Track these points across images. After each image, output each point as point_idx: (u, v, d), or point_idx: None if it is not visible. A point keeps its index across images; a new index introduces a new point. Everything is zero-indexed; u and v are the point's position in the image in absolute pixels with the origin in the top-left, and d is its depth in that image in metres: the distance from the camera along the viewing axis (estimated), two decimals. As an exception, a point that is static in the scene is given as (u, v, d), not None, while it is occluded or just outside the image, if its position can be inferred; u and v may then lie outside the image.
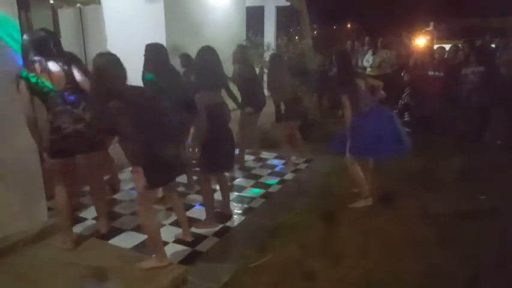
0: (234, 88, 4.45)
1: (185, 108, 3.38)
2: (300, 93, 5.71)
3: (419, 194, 4.10)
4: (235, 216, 3.73)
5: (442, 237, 3.24)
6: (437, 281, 2.74)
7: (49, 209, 3.30)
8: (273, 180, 4.66)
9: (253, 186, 4.50)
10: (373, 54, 7.94)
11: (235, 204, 3.97)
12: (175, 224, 3.36)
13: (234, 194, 4.17)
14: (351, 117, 3.66)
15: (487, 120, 6.06)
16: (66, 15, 6.46)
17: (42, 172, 3.20)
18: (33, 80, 2.68)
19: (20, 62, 2.88)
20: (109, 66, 2.48)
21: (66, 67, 2.82)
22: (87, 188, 3.80)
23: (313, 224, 3.49)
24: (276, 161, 5.35)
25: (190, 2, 6.71)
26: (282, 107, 4.78)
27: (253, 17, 9.66)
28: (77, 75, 2.86)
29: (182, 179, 4.10)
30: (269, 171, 5.00)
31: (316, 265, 2.88)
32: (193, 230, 3.34)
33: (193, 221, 3.47)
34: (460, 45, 6.99)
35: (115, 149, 3.93)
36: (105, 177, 3.98)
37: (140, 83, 3.64)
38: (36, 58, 2.74)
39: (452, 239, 3.23)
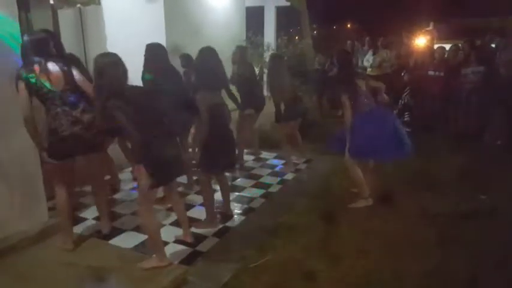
0: (233, 89, 4.45)
1: (185, 109, 3.39)
2: (299, 93, 5.72)
3: (419, 194, 4.10)
4: (235, 216, 3.73)
5: (442, 237, 3.25)
6: (437, 281, 2.74)
7: (49, 209, 3.30)
8: (273, 180, 4.67)
9: (253, 186, 4.51)
10: (374, 54, 7.94)
11: (235, 204, 3.97)
12: (176, 224, 3.37)
13: (234, 194, 4.17)
14: (351, 117, 3.66)
15: (487, 120, 6.06)
16: (66, 16, 6.46)
17: (43, 172, 3.20)
18: (32, 80, 2.68)
19: (20, 62, 2.88)
20: (111, 66, 2.48)
21: (65, 68, 2.82)
22: (87, 188, 3.81)
23: (313, 224, 3.49)
24: (275, 161, 5.36)
25: (190, 2, 6.71)
26: (282, 107, 4.78)
27: (253, 17, 9.67)
28: (77, 76, 2.86)
29: (182, 179, 4.10)
30: (269, 171, 5.00)
31: (316, 265, 2.88)
32: (194, 230, 3.35)
33: (193, 221, 3.47)
34: (460, 45, 6.98)
35: (115, 150, 3.95)
36: (105, 178, 3.99)
37: (140, 83, 3.65)
38: (35, 58, 2.74)
39: (452, 239, 3.23)
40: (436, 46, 7.72)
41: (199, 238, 3.26)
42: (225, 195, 3.71)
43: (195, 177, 4.31)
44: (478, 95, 6.01)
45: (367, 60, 7.99)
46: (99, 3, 6.25)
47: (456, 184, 4.33)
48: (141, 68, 3.72)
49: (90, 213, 3.65)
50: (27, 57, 2.80)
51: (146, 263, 2.76)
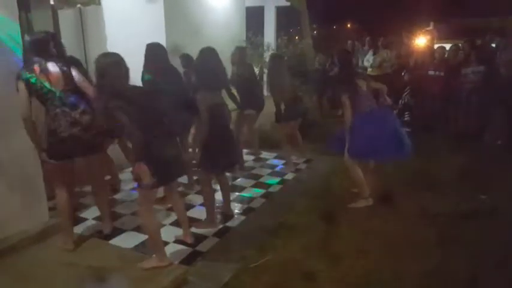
0: (233, 89, 4.46)
1: (185, 109, 3.39)
2: (300, 93, 5.72)
3: (419, 193, 4.10)
4: (236, 216, 3.73)
5: (442, 237, 3.25)
6: (437, 281, 2.74)
7: (50, 209, 3.30)
8: (273, 180, 4.67)
9: (254, 186, 4.51)
10: (374, 54, 7.94)
11: (236, 204, 3.97)
12: (176, 224, 3.37)
13: (234, 194, 4.17)
14: (351, 117, 3.66)
15: (487, 119, 6.06)
16: (66, 16, 6.46)
17: (43, 172, 3.21)
18: (32, 80, 2.68)
19: (20, 63, 2.89)
20: (113, 66, 2.49)
21: (65, 68, 2.82)
22: (87, 189, 3.81)
23: (314, 224, 3.49)
24: (276, 161, 5.36)
25: (190, 2, 6.71)
26: (282, 107, 4.78)
27: (253, 17, 9.67)
28: (76, 76, 2.86)
29: (183, 179, 4.10)
30: (269, 171, 5.00)
31: (316, 265, 2.88)
32: (194, 230, 3.35)
33: (193, 221, 3.47)
34: (460, 44, 6.99)
35: (115, 150, 3.95)
36: (106, 178, 3.99)
37: (140, 83, 3.65)
38: (35, 59, 2.75)
39: (453, 239, 3.23)
40: (436, 46, 7.72)
41: (199, 238, 3.26)
42: (226, 195, 3.72)
43: (195, 177, 4.32)
44: (478, 95, 6.01)
45: (368, 60, 8.00)
46: (99, 4, 6.26)
47: (456, 184, 4.33)
48: (141, 68, 3.72)
49: (90, 214, 3.65)
50: (27, 57, 2.81)
51: (146, 263, 2.76)
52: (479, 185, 4.25)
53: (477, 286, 2.70)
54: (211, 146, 3.24)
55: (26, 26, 4.91)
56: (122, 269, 2.75)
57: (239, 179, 4.70)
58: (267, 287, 2.69)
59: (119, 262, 2.84)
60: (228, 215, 3.69)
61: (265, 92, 5.96)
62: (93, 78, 2.71)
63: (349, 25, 21.45)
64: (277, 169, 5.07)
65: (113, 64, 2.50)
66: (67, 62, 2.92)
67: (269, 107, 5.04)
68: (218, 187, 3.70)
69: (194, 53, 3.52)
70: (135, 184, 2.76)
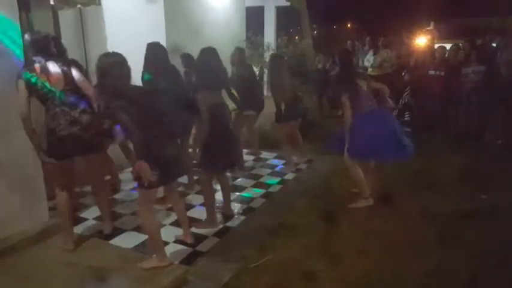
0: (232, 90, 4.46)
1: (186, 109, 3.39)
2: (300, 93, 5.72)
3: (419, 193, 4.10)
4: (236, 216, 3.73)
5: (443, 237, 3.24)
6: (437, 281, 2.74)
7: (50, 209, 3.30)
8: (273, 180, 4.67)
9: (254, 186, 4.51)
10: (374, 54, 7.94)
11: (236, 204, 3.97)
12: (176, 224, 3.37)
13: (234, 194, 4.17)
14: (351, 117, 3.66)
15: (487, 119, 6.06)
16: (66, 16, 6.46)
17: (43, 173, 3.21)
18: (33, 80, 2.68)
19: (20, 63, 2.89)
20: (115, 66, 2.50)
21: (65, 68, 2.83)
22: (87, 189, 3.82)
23: (314, 224, 3.49)
24: (276, 161, 5.36)
25: (190, 2, 6.71)
26: (283, 106, 4.79)
27: (253, 17, 9.66)
28: (77, 76, 2.86)
29: (183, 179, 4.10)
30: (269, 171, 5.00)
31: (316, 265, 2.88)
32: (194, 230, 3.35)
33: (193, 221, 3.47)
34: (460, 44, 6.99)
35: (115, 150, 3.95)
36: (106, 178, 3.99)
37: (140, 83, 3.65)
38: (36, 58, 2.75)
39: (453, 238, 3.23)
40: (436, 46, 7.71)
41: (199, 238, 3.26)
42: (226, 195, 3.72)
43: (195, 177, 4.32)
44: (479, 95, 6.01)
45: (368, 60, 7.99)
46: (99, 4, 6.25)
47: (457, 184, 4.33)
48: (141, 68, 3.72)
49: (90, 214, 3.65)
50: (28, 57, 2.81)
51: (146, 263, 2.76)
52: (480, 185, 4.25)
53: (477, 286, 2.70)
54: (212, 146, 3.24)
55: (26, 26, 4.91)
56: (122, 269, 2.75)
57: (239, 179, 4.69)
58: (267, 287, 2.69)
59: (119, 262, 2.84)
60: (228, 215, 3.69)
61: (265, 92, 5.96)
62: (93, 79, 2.72)
63: (349, 25, 21.44)
64: (277, 169, 5.07)
65: (115, 64, 2.51)
66: (67, 61, 2.92)
67: (269, 107, 5.04)
68: (218, 187, 3.70)
69: (194, 53, 3.52)
70: (135, 184, 2.76)
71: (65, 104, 2.77)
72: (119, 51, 2.62)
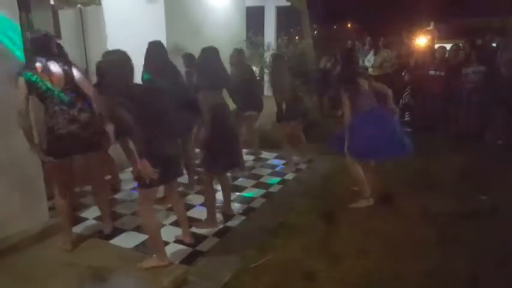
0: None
1: (187, 108, 3.39)
2: (300, 93, 5.72)
3: (419, 193, 4.10)
4: (236, 216, 3.73)
5: (443, 237, 3.25)
6: (437, 281, 2.74)
7: (50, 208, 3.30)
8: (273, 180, 4.67)
9: (254, 186, 4.51)
10: (375, 54, 7.93)
11: (236, 204, 3.97)
12: (176, 224, 3.37)
13: (234, 194, 4.17)
14: (350, 116, 3.66)
15: (488, 119, 6.06)
16: (66, 16, 6.47)
17: (43, 172, 3.21)
18: (33, 78, 2.69)
19: (19, 63, 2.89)
20: (118, 64, 2.50)
21: (66, 67, 2.83)
22: (87, 188, 3.82)
23: (314, 224, 3.49)
24: (276, 161, 5.36)
25: (191, 2, 6.70)
26: (284, 106, 4.79)
27: (254, 17, 9.65)
28: (77, 75, 2.87)
29: (183, 179, 4.10)
30: (269, 171, 5.00)
31: (316, 265, 2.88)
32: (194, 230, 3.35)
33: (193, 221, 3.47)
34: (461, 44, 6.98)
35: (115, 150, 3.95)
36: (106, 178, 3.99)
37: (140, 83, 3.65)
38: (37, 58, 2.75)
39: (453, 238, 3.23)
40: (436, 46, 7.71)
41: (199, 238, 3.26)
42: (226, 195, 3.72)
43: (195, 177, 4.32)
44: (479, 95, 6.01)
45: (369, 60, 8.00)
46: (99, 4, 6.25)
47: (457, 184, 4.33)
48: (141, 68, 3.71)
49: (90, 213, 3.65)
50: (29, 56, 2.81)
51: (146, 262, 2.77)
52: (480, 185, 4.25)
53: (477, 286, 2.70)
54: (213, 146, 3.24)
55: (26, 26, 4.91)
56: (122, 269, 2.75)
57: (239, 179, 4.69)
58: (267, 287, 2.69)
59: (119, 262, 2.84)
60: (228, 215, 3.69)
61: (265, 92, 5.96)
62: (94, 78, 2.73)
63: (349, 25, 21.43)
64: (277, 169, 5.07)
65: (119, 61, 2.51)
66: (68, 61, 2.92)
67: (269, 107, 5.04)
68: (219, 187, 3.70)
69: (195, 53, 3.52)
70: (135, 184, 2.76)
71: (64, 103, 2.77)
72: (121, 51, 2.62)
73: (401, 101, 6.87)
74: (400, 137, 3.66)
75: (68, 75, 2.82)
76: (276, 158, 5.48)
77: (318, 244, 3.17)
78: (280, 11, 10.68)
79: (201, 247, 3.15)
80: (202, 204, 3.79)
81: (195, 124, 4.05)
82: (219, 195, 3.69)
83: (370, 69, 7.75)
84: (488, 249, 3.08)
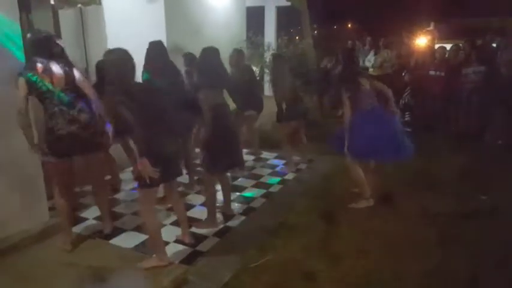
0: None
1: (188, 108, 3.39)
2: (300, 93, 5.71)
3: (419, 193, 4.10)
4: (236, 216, 3.73)
5: (443, 237, 3.25)
6: (437, 281, 2.74)
7: (50, 208, 3.30)
8: (273, 180, 4.67)
9: (254, 186, 4.51)
10: (375, 54, 7.93)
11: (236, 204, 3.97)
12: (176, 223, 3.37)
13: (234, 194, 4.16)
14: (350, 116, 3.66)
15: (488, 119, 6.06)
16: (66, 16, 6.47)
17: (43, 172, 3.21)
18: (33, 79, 2.69)
19: (19, 64, 2.89)
20: (119, 62, 2.51)
21: (67, 68, 2.83)
22: (87, 188, 3.82)
23: (314, 224, 3.49)
24: (276, 161, 5.36)
25: (191, 2, 6.71)
26: (284, 106, 4.79)
27: (254, 17, 9.65)
28: (77, 75, 2.87)
29: (183, 178, 4.11)
30: (270, 171, 5.00)
31: (316, 265, 2.88)
32: (194, 229, 3.35)
33: (193, 221, 3.47)
34: (461, 45, 6.98)
35: (116, 149, 3.95)
36: (106, 178, 3.99)
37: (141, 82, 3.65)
38: (38, 59, 2.75)
39: (453, 238, 3.23)
40: (436, 46, 7.71)
41: (199, 238, 3.27)
42: (226, 195, 3.72)
43: (196, 177, 4.32)
44: (479, 95, 6.01)
45: (369, 60, 8.00)
46: (99, 3, 6.26)
47: (457, 184, 4.33)
48: (141, 68, 3.72)
49: (90, 213, 3.65)
50: (29, 56, 2.81)
51: (146, 262, 2.77)
52: (480, 185, 4.25)
53: (477, 286, 2.70)
54: (214, 146, 3.24)
55: (26, 26, 4.91)
56: (122, 269, 2.75)
57: (239, 179, 4.69)
58: (267, 287, 2.69)
59: (119, 262, 2.84)
60: (228, 215, 3.69)
61: (265, 92, 5.95)
62: (93, 78, 2.73)
63: (349, 25, 21.43)
64: (277, 169, 5.07)
65: (120, 60, 2.52)
66: (69, 62, 2.92)
67: (269, 107, 5.04)
68: (219, 187, 3.70)
69: (195, 53, 3.52)
70: (135, 184, 2.76)
71: (64, 104, 2.77)
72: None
73: (401, 101, 6.87)
74: (401, 139, 3.65)
75: (68, 75, 2.82)
76: (276, 158, 5.48)
77: (318, 244, 3.18)
78: (281, 11, 10.68)
79: (201, 247, 3.15)
80: (202, 204, 3.79)
81: (196, 124, 4.05)
82: (219, 195, 3.69)
83: (370, 70, 7.75)
84: (488, 249, 3.08)
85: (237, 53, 5.08)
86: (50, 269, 2.77)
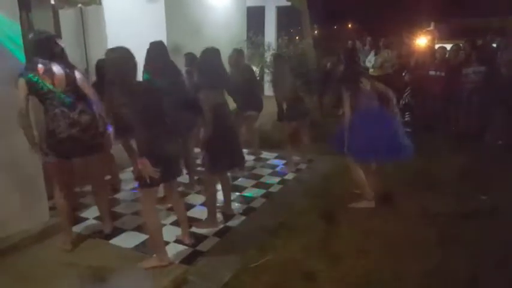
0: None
1: (188, 108, 3.39)
2: (301, 93, 5.72)
3: (419, 193, 4.10)
4: (236, 216, 3.73)
5: (443, 237, 3.24)
6: (437, 281, 2.74)
7: (50, 208, 3.31)
8: (273, 180, 4.67)
9: (254, 186, 4.51)
10: (376, 54, 7.93)
11: (236, 204, 3.97)
12: (176, 223, 3.37)
13: (235, 194, 4.17)
14: (350, 115, 3.65)
15: (488, 120, 6.05)
16: (67, 16, 6.47)
17: (43, 172, 3.21)
18: (34, 79, 2.69)
19: (20, 64, 2.89)
20: (121, 61, 2.51)
21: (67, 69, 2.83)
22: (87, 188, 3.82)
23: (314, 224, 3.49)
24: (276, 161, 5.36)
25: (191, 2, 6.71)
26: (284, 106, 4.79)
27: (254, 17, 9.65)
28: (78, 76, 2.86)
29: (183, 178, 4.11)
30: (270, 171, 5.00)
31: (316, 265, 2.88)
32: (195, 229, 3.35)
33: (194, 221, 3.48)
34: (461, 45, 6.98)
35: (116, 149, 3.95)
36: (106, 178, 3.99)
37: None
38: (39, 59, 2.75)
39: (453, 238, 3.23)
40: (437, 46, 7.71)
41: (200, 238, 3.27)
42: (227, 195, 3.72)
43: (196, 177, 4.32)
44: (479, 95, 6.01)
45: (369, 60, 7.99)
46: (100, 3, 6.26)
47: (457, 184, 4.33)
48: (141, 68, 3.72)
49: (90, 213, 3.65)
50: (30, 56, 2.81)
51: (146, 262, 2.77)
52: (480, 185, 4.24)
53: (477, 286, 2.70)
54: (214, 146, 3.24)
55: (26, 26, 4.91)
56: (121, 269, 2.75)
57: (239, 179, 4.69)
58: (267, 287, 2.69)
59: (119, 262, 2.84)
60: (228, 215, 3.70)
61: (266, 92, 5.95)
62: (93, 78, 2.73)
63: (350, 25, 21.42)
64: (277, 169, 5.07)
65: (122, 58, 2.51)
66: (69, 63, 2.92)
67: (270, 107, 5.04)
68: (219, 187, 3.70)
69: (195, 52, 3.52)
70: (135, 184, 2.77)
71: (65, 105, 2.77)
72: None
73: (401, 101, 6.85)
74: (401, 139, 3.65)
75: (69, 76, 2.81)
76: (276, 158, 5.48)
77: (318, 244, 3.17)
78: (281, 11, 10.68)
79: (201, 247, 3.15)
80: (202, 204, 3.79)
81: (196, 124, 4.05)
82: (219, 195, 3.69)
83: (370, 70, 7.74)
84: (488, 249, 3.08)
85: (237, 53, 5.08)
86: (50, 269, 2.77)
